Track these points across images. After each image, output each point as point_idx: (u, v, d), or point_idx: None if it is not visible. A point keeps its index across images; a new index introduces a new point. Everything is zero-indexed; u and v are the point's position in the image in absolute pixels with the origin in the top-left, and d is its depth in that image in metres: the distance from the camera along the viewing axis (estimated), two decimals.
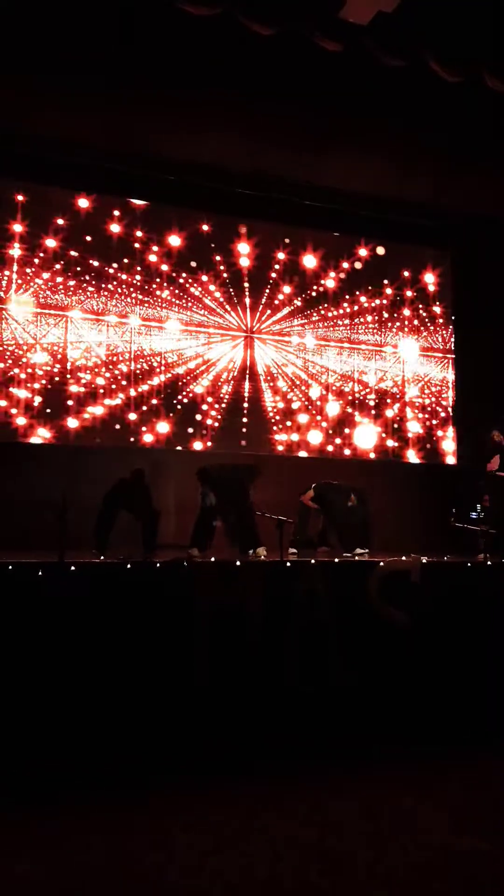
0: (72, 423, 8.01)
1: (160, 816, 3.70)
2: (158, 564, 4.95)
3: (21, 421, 7.85)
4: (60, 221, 8.13)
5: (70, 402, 8.03)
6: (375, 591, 5.21)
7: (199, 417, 8.54)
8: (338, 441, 9.09)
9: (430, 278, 9.71)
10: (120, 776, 4.14)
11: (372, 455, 9.21)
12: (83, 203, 8.25)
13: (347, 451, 9.12)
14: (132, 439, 8.25)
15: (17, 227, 7.99)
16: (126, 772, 4.17)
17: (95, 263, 8.25)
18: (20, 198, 8.01)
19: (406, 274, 9.60)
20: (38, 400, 7.92)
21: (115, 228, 8.38)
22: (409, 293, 9.61)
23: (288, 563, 5.25)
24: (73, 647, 4.45)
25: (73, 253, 8.16)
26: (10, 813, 3.72)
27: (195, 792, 4.02)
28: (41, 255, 8.05)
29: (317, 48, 5.79)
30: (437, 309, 9.75)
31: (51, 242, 8.07)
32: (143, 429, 8.31)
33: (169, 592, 4.75)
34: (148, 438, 8.33)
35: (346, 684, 4.91)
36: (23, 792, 3.93)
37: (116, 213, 8.39)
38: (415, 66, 5.99)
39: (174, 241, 8.58)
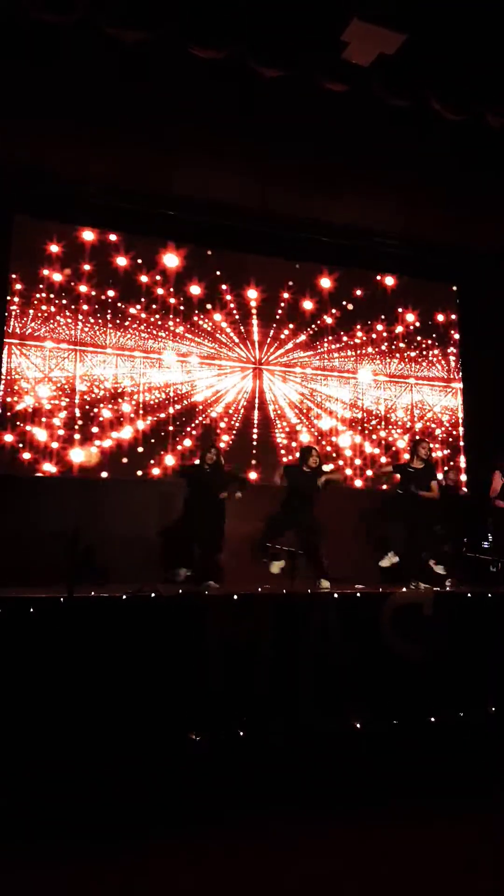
0: (77, 456, 8.04)
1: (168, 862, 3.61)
2: (168, 597, 4.93)
3: (26, 455, 7.89)
4: (72, 256, 8.26)
5: (77, 436, 8.08)
6: (388, 624, 5.16)
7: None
8: (348, 472, 9.09)
9: (438, 311, 9.81)
10: (123, 819, 4.00)
11: (384, 486, 9.19)
12: (88, 236, 8.40)
13: (359, 483, 9.10)
14: (139, 472, 8.27)
15: (28, 264, 8.12)
16: (130, 813, 4.05)
17: (109, 298, 8.38)
18: (37, 236, 8.16)
19: (414, 307, 9.69)
20: (46, 433, 7.97)
21: (122, 262, 8.50)
22: (416, 325, 9.69)
23: (299, 596, 5.23)
24: (82, 681, 4.41)
25: (82, 288, 8.28)
26: None
27: (199, 839, 3.87)
28: (52, 289, 8.18)
29: (322, 89, 5.93)
30: (444, 340, 9.82)
31: (57, 276, 8.20)
32: (151, 461, 8.33)
33: (181, 625, 4.72)
34: (156, 472, 8.35)
35: (358, 722, 4.83)
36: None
37: (129, 249, 8.53)
38: (418, 106, 6.12)
39: (179, 276, 8.71)
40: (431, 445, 7.27)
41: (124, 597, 4.89)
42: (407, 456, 7.41)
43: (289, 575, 6.54)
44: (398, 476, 7.30)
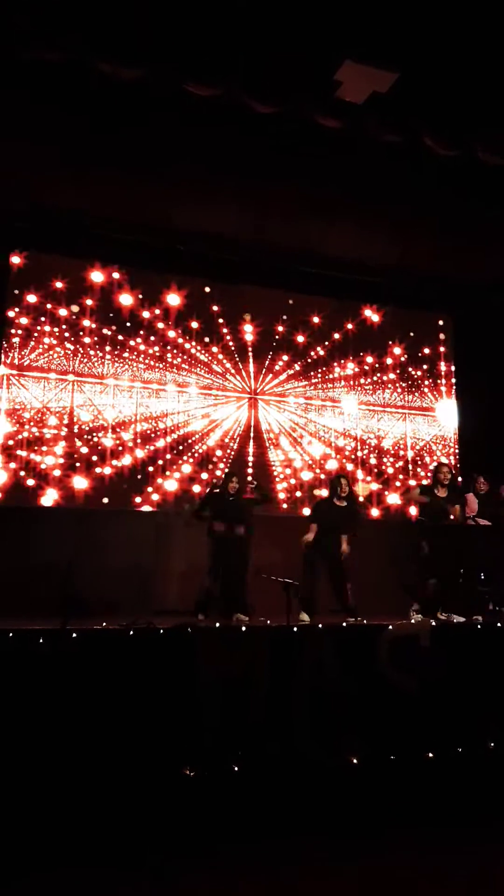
0: (80, 484, 8.02)
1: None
2: (162, 631, 4.87)
3: (30, 482, 7.87)
4: (71, 289, 8.36)
5: (77, 464, 8.07)
6: (385, 656, 5.10)
7: (205, 476, 8.56)
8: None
9: (431, 342, 9.89)
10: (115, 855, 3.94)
11: (375, 512, 9.17)
12: (98, 277, 8.51)
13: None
14: (138, 499, 8.24)
15: (31, 297, 8.20)
16: (121, 851, 3.98)
17: (107, 332, 8.45)
18: (35, 268, 8.26)
19: (408, 337, 9.77)
20: (46, 463, 7.95)
21: (125, 299, 8.58)
22: (409, 355, 9.76)
23: (295, 629, 5.17)
24: (75, 715, 4.34)
25: (85, 323, 8.36)
26: None
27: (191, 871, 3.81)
28: (52, 322, 8.23)
29: (316, 125, 6.05)
30: (438, 370, 9.89)
31: (63, 311, 8.31)
32: (150, 489, 8.31)
33: (173, 659, 4.66)
34: (154, 497, 8.33)
35: (356, 755, 4.75)
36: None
37: (127, 281, 8.61)
38: (410, 142, 6.24)
39: (176, 303, 8.78)
40: (451, 469, 7.04)
41: (117, 629, 4.84)
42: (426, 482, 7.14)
43: (284, 607, 6.48)
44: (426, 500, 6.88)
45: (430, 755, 4.94)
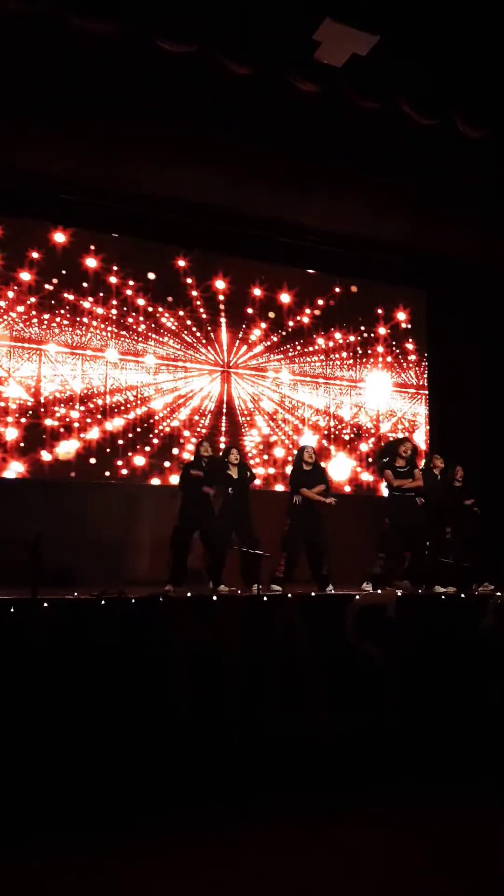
0: (46, 456, 7.87)
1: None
2: (133, 600, 4.82)
3: None
4: (35, 254, 8.04)
5: (44, 436, 7.90)
6: (352, 627, 5.13)
7: (175, 451, 8.47)
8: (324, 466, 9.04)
9: (404, 316, 9.86)
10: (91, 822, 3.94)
11: (347, 488, 9.18)
12: (60, 237, 8.21)
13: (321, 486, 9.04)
14: (107, 473, 8.13)
15: None
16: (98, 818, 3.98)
17: (71, 297, 8.19)
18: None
19: (381, 312, 9.73)
20: (11, 434, 7.78)
21: (91, 263, 8.34)
22: (383, 330, 9.73)
23: (265, 598, 5.16)
24: (45, 685, 4.28)
25: (47, 287, 8.09)
26: None
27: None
28: (15, 287, 7.98)
29: (293, 88, 5.92)
30: (410, 346, 9.88)
31: (25, 275, 8.01)
32: (119, 462, 8.19)
33: (145, 628, 4.62)
34: (123, 472, 8.22)
35: (327, 723, 4.78)
36: None
37: (93, 247, 8.35)
38: (388, 109, 6.15)
39: (150, 275, 8.57)
40: (412, 443, 7.10)
41: (88, 599, 4.78)
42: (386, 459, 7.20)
43: (253, 578, 6.47)
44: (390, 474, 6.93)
45: (393, 722, 4.98)
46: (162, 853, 3.67)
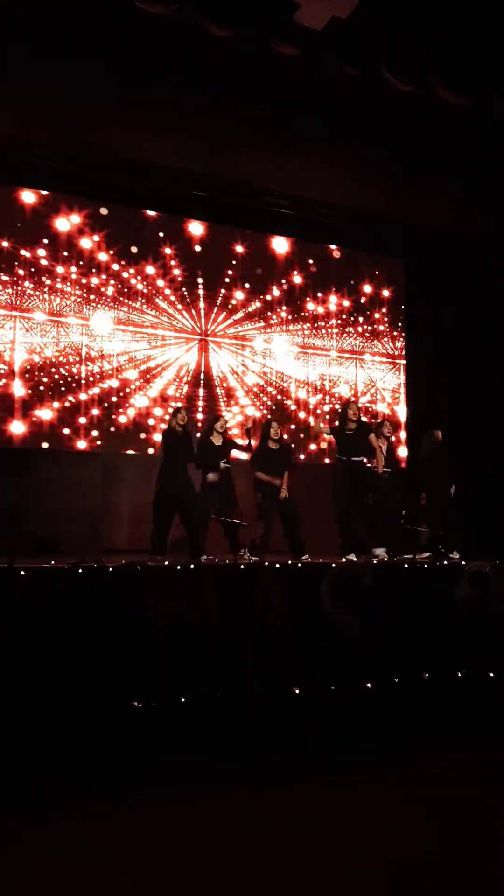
0: (18, 427, 7.79)
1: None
2: (111, 569, 4.87)
3: None
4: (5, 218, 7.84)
5: (15, 406, 7.80)
6: (329, 595, 5.23)
7: (151, 422, 8.44)
8: (293, 445, 9.09)
9: (384, 286, 9.84)
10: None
11: (327, 461, 9.25)
12: (30, 198, 7.96)
13: (302, 456, 9.13)
14: (82, 444, 8.09)
15: None
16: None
17: (44, 262, 8.03)
18: None
19: (361, 281, 9.70)
20: None
21: (63, 226, 8.14)
22: (363, 300, 9.72)
23: (242, 567, 5.24)
24: (22, 654, 4.33)
25: (24, 253, 7.93)
26: None
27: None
28: None
29: (273, 52, 5.82)
30: (388, 316, 9.88)
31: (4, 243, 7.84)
32: (95, 433, 8.15)
33: (123, 597, 4.67)
34: (98, 443, 8.19)
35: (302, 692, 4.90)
36: None
37: (68, 211, 8.16)
38: (368, 75, 6.08)
39: (127, 242, 8.44)
40: (360, 405, 7.27)
41: (66, 567, 4.81)
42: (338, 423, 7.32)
43: (231, 546, 6.56)
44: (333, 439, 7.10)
45: (369, 685, 5.13)
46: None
